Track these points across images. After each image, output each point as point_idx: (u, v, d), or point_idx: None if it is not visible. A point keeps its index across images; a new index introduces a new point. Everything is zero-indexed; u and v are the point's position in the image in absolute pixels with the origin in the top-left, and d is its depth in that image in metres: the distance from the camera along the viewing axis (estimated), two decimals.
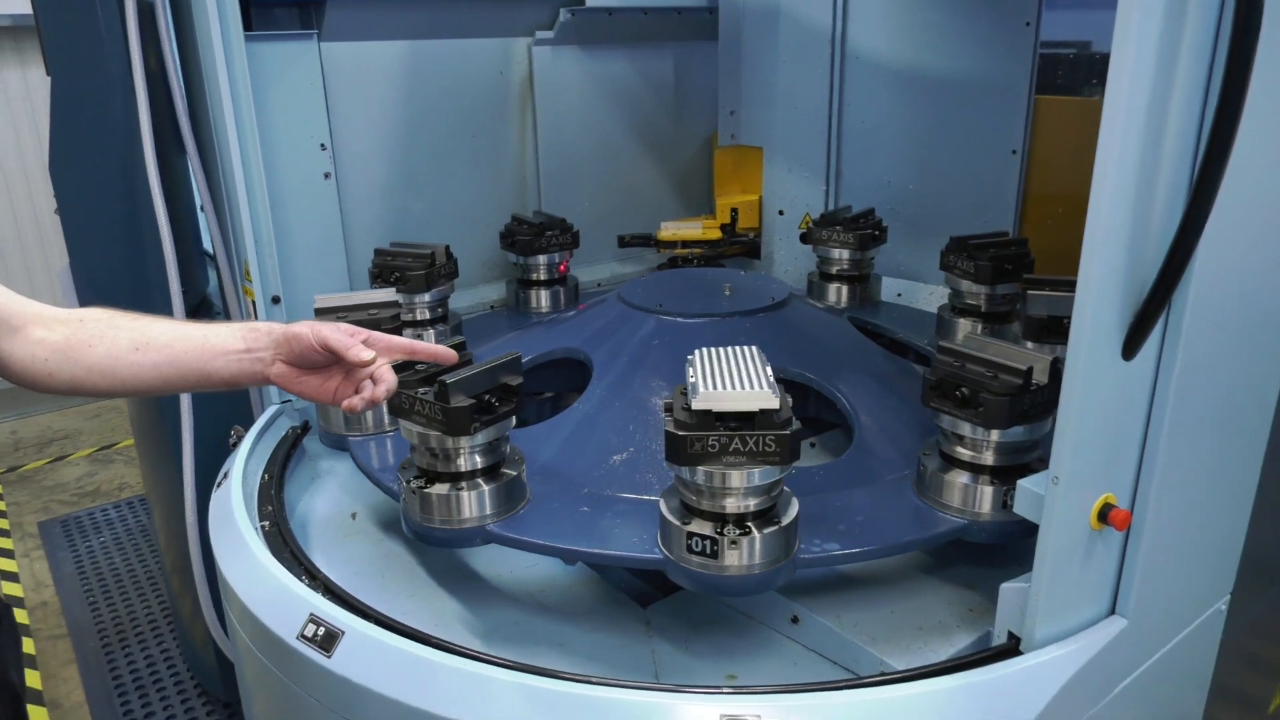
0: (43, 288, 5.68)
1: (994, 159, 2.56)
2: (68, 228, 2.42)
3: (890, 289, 2.76)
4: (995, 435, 1.48)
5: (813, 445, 2.07)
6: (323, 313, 1.88)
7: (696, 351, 1.48)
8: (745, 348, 1.48)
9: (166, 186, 2.35)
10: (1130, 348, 1.23)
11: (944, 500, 1.55)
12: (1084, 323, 1.17)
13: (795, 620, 1.64)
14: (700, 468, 1.34)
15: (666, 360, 1.93)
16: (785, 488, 1.45)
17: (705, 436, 1.33)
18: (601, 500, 1.61)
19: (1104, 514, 1.31)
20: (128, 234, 2.43)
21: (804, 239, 2.76)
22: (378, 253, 2.35)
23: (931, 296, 2.74)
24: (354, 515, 2.05)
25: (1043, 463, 1.57)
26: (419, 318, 2.35)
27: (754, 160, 3.10)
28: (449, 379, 1.48)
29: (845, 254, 2.60)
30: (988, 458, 1.52)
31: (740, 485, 1.34)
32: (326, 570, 1.84)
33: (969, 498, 1.53)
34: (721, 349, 1.48)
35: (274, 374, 1.44)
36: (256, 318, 2.23)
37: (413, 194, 2.69)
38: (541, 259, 2.66)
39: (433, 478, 1.56)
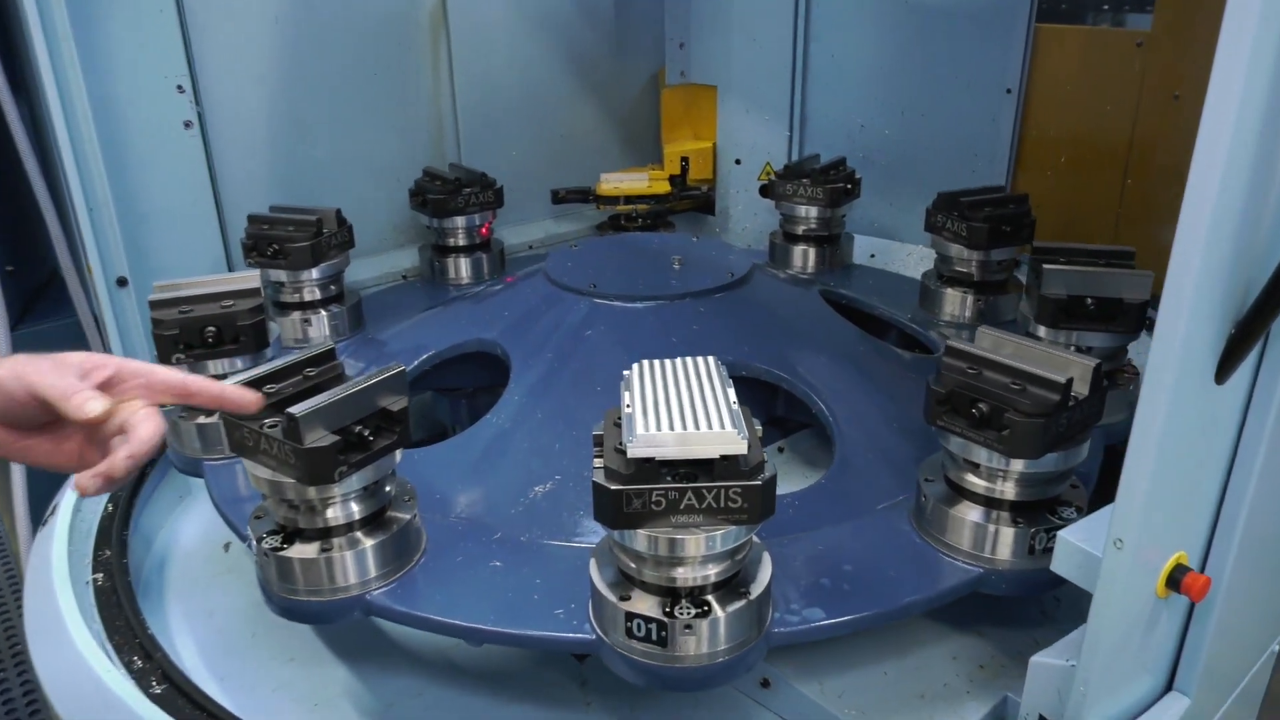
0: None
1: (986, 98, 2.21)
2: None
3: (863, 249, 2.41)
4: (1020, 465, 1.15)
5: (781, 451, 1.73)
6: (161, 305, 1.48)
7: (635, 367, 1.12)
8: (700, 361, 1.12)
9: None
10: (1226, 367, 0.89)
11: (950, 541, 1.22)
12: (1174, 336, 0.84)
13: (766, 684, 1.32)
14: (641, 531, 1.00)
15: (603, 355, 1.57)
16: (755, 538, 1.11)
17: (647, 492, 0.98)
18: (519, 549, 1.26)
19: (1175, 579, 0.99)
20: None
21: (764, 192, 2.39)
22: (251, 220, 1.93)
23: (910, 258, 2.40)
24: (227, 546, 1.68)
25: (1076, 490, 1.25)
26: (306, 298, 1.95)
27: (707, 101, 2.70)
28: (300, 410, 1.10)
29: (812, 211, 2.24)
30: (1008, 490, 1.19)
31: (696, 553, 1.00)
32: (182, 630, 1.48)
33: (983, 540, 1.20)
34: (668, 363, 1.12)
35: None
36: (99, 303, 1.82)
37: (305, 146, 2.25)
38: (459, 221, 2.26)
39: (293, 534, 1.19)
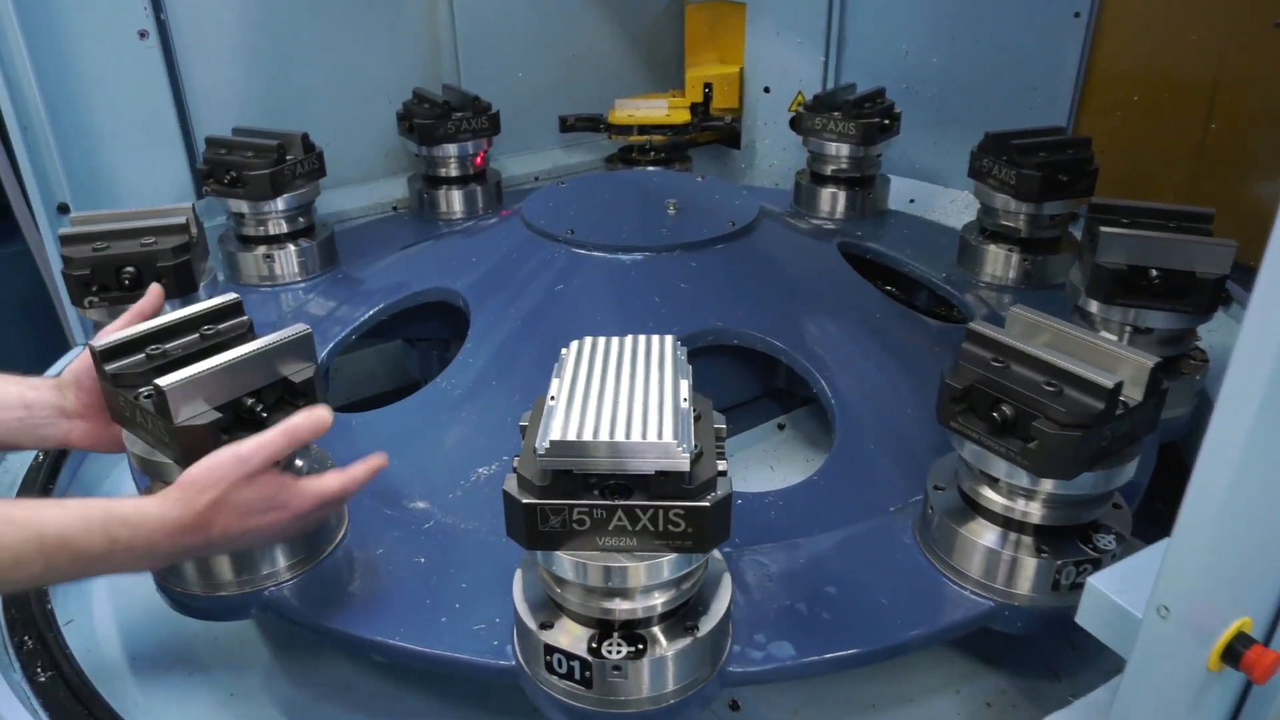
0: None
1: (1050, 23, 1.91)
2: None
3: (901, 193, 2.15)
4: (1049, 485, 0.94)
5: (781, 428, 1.52)
6: (73, 240, 1.30)
7: (573, 346, 0.92)
8: (656, 342, 0.92)
9: None
10: None
11: (958, 564, 1.02)
12: (1269, 331, 0.61)
13: (735, 706, 1.14)
14: (562, 554, 0.81)
15: (574, 316, 1.37)
16: (715, 553, 0.91)
17: (566, 509, 0.78)
18: (450, 543, 1.08)
19: (1235, 652, 0.77)
20: None
21: (794, 125, 2.13)
22: (209, 144, 1.74)
23: (953, 205, 2.13)
24: None
25: (1119, 512, 1.03)
26: (272, 231, 1.77)
27: (735, 21, 2.42)
28: (170, 382, 0.92)
29: (843, 149, 1.99)
30: (1032, 512, 0.98)
31: (630, 583, 0.81)
32: (101, 599, 1.34)
33: (998, 568, 0.99)
34: (615, 342, 0.92)
35: (77, 438, 1.10)
36: (38, 232, 1.65)
37: (284, 63, 2.05)
38: (450, 149, 2.05)
39: None
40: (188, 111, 1.92)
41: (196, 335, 1.05)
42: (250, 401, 0.98)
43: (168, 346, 1.02)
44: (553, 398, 0.83)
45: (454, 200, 2.10)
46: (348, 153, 2.17)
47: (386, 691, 1.17)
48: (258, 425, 0.97)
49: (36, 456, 1.49)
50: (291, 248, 1.78)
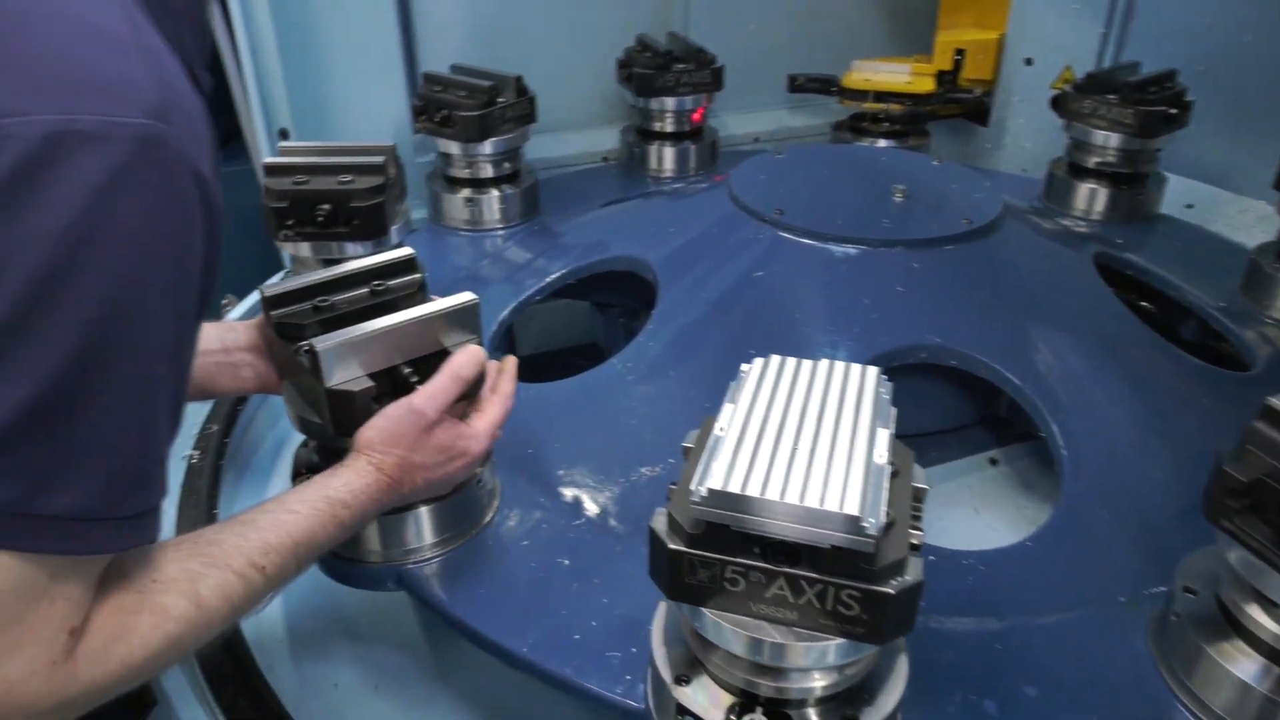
0: None
1: None
2: None
3: (1178, 196, 1.83)
4: None
5: (993, 463, 1.31)
6: (276, 171, 1.29)
7: (756, 365, 0.78)
8: (857, 373, 0.77)
9: None
10: None
11: (1201, 692, 0.81)
12: None
13: None
14: (708, 612, 0.69)
15: (771, 308, 1.22)
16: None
17: (718, 564, 0.66)
18: (599, 547, 0.99)
19: None
20: None
21: (1056, 105, 1.85)
22: (427, 80, 1.72)
23: (1243, 217, 1.80)
24: None
25: None
26: (479, 175, 1.73)
27: None
28: (324, 343, 0.87)
29: (1113, 139, 1.71)
30: None
31: (784, 661, 0.68)
32: None
33: (1253, 707, 0.78)
34: (807, 367, 0.77)
35: (275, 382, 1.07)
36: (258, 155, 1.69)
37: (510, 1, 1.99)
38: (667, 102, 1.94)
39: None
40: (414, 44, 1.91)
41: (366, 290, 1.00)
42: (407, 371, 0.92)
43: (335, 299, 0.98)
44: (722, 428, 0.70)
45: (665, 157, 1.99)
46: (564, 97, 2.10)
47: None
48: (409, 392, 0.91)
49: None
50: (494, 193, 1.74)
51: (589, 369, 1.87)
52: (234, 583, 0.82)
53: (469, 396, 0.96)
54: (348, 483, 0.92)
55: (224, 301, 1.74)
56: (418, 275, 1.03)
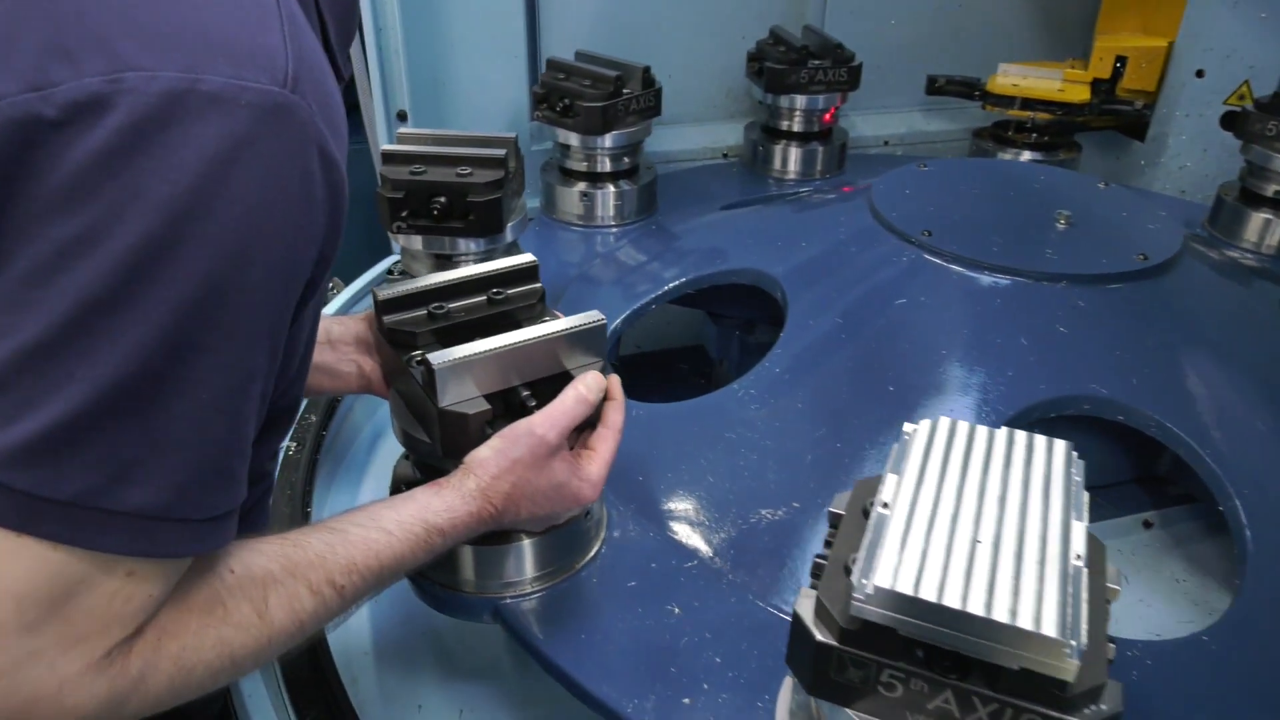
0: None
1: None
2: None
3: None
4: None
5: (1147, 526, 1.18)
6: (394, 159, 1.24)
7: (921, 428, 0.68)
8: (1044, 449, 0.66)
9: None
10: None
11: None
12: None
13: None
14: (854, 715, 0.60)
15: (913, 341, 1.11)
16: None
17: (874, 665, 0.57)
18: (714, 594, 0.91)
19: None
20: None
21: (1230, 124, 1.68)
22: (550, 66, 1.65)
23: None
24: None
25: None
26: (597, 169, 1.66)
27: None
28: (441, 360, 0.80)
29: None
30: None
31: None
32: None
33: None
34: (982, 435, 0.67)
35: (378, 381, 1.04)
36: (375, 136, 1.65)
37: None
38: (798, 100, 1.82)
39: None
40: (538, 27, 1.84)
41: (484, 298, 0.93)
42: (525, 394, 0.85)
43: (451, 306, 0.92)
44: (885, 504, 0.61)
45: (791, 157, 1.88)
46: (686, 88, 2.01)
47: None
48: (524, 414, 0.84)
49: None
50: (611, 189, 1.66)
51: (694, 375, 1.79)
52: (305, 598, 0.75)
53: (588, 426, 0.89)
54: (450, 508, 0.84)
55: (329, 285, 1.71)
56: (538, 285, 0.96)
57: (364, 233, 2.00)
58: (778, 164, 1.89)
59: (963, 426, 0.68)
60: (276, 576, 0.74)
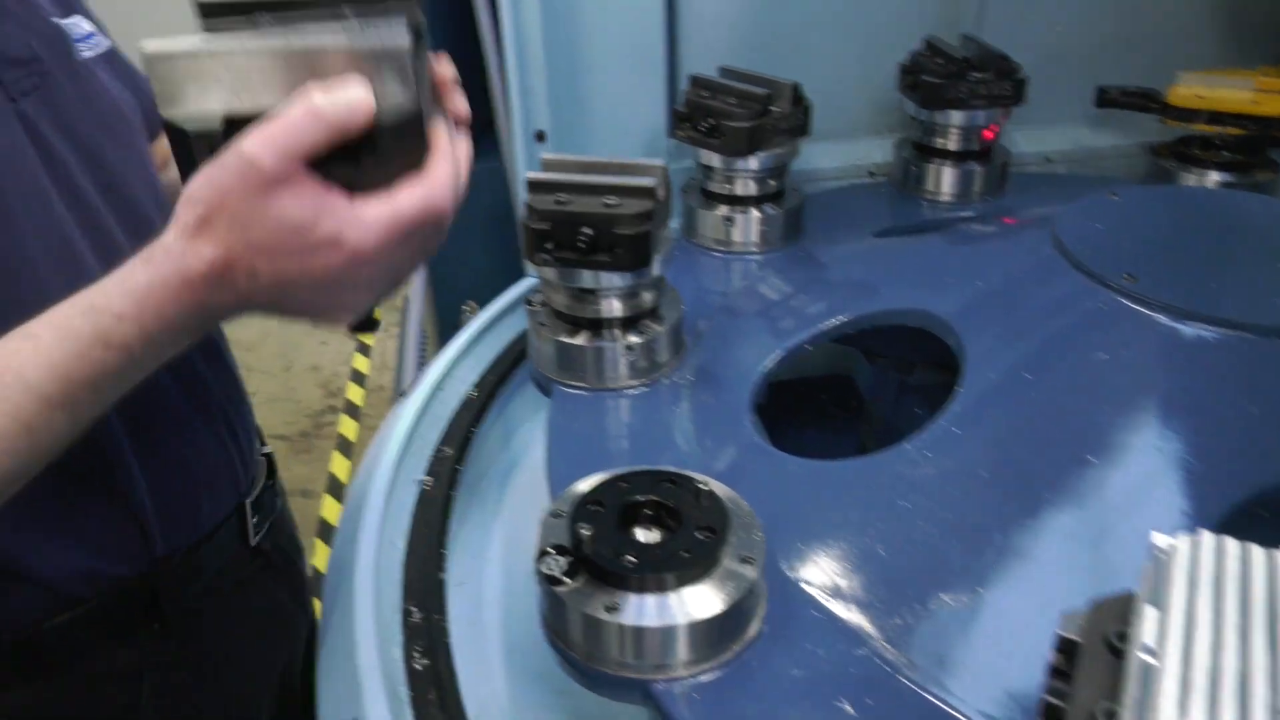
0: None
1: None
2: None
3: None
4: None
5: None
6: (539, 188, 1.18)
7: (1183, 543, 0.57)
8: None
9: None
10: None
11: None
12: None
13: None
14: None
15: (1124, 405, 0.98)
16: None
17: None
18: (892, 693, 0.81)
19: None
20: None
21: None
22: (694, 83, 1.57)
23: None
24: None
25: None
26: (741, 191, 1.57)
27: None
28: (161, 48, 0.67)
29: None
30: None
31: None
32: (492, 574, 1.28)
33: None
34: (1262, 557, 0.55)
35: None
36: (512, 155, 1.61)
37: None
38: (954, 116, 1.70)
39: (584, 564, 0.85)
40: (677, 42, 1.77)
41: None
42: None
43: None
44: (1150, 650, 0.50)
45: (945, 178, 1.75)
46: (831, 103, 1.89)
47: None
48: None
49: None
50: (754, 214, 1.57)
51: (836, 408, 1.68)
52: None
53: (378, 161, 0.67)
54: (124, 280, 0.65)
55: (465, 307, 1.68)
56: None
57: (498, 255, 1.97)
58: (931, 184, 1.76)
59: (1233, 546, 0.56)
60: None
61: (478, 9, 1.79)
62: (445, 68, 0.83)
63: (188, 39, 0.66)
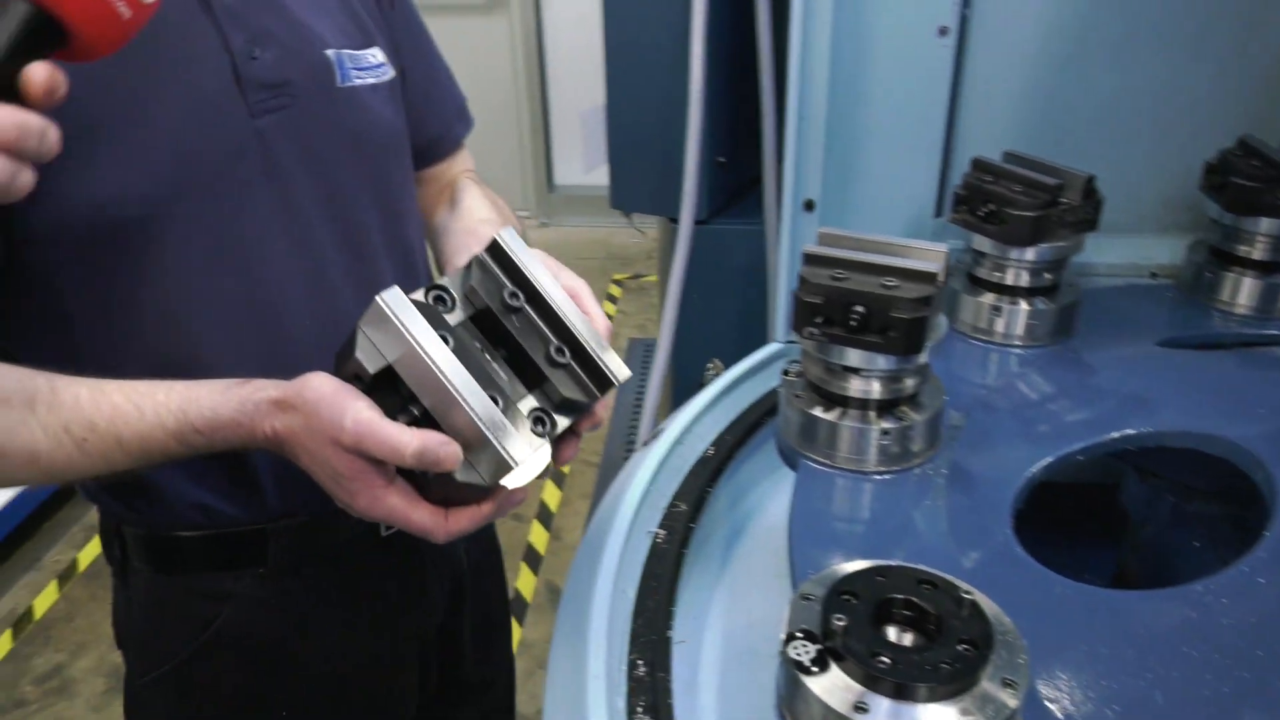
0: None
1: None
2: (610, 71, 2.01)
3: None
4: None
5: None
6: (816, 261, 1.17)
7: None
8: None
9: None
10: None
11: None
12: None
13: None
14: None
15: None
16: None
17: None
18: None
19: None
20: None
21: None
22: (975, 166, 1.52)
23: None
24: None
25: None
26: (1013, 281, 1.50)
27: None
28: (392, 301, 0.85)
29: None
30: None
31: None
32: (712, 630, 1.26)
33: None
34: None
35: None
36: (778, 221, 1.61)
37: (1074, 77, 1.72)
38: (1262, 224, 1.55)
39: (833, 654, 0.82)
40: (957, 120, 1.72)
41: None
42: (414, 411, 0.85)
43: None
44: None
45: (1245, 289, 1.59)
46: (1115, 192, 1.78)
47: None
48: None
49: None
50: (1024, 306, 1.49)
51: (1092, 521, 1.55)
52: (38, 434, 0.86)
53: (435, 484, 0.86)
54: (215, 408, 0.88)
55: (709, 366, 1.70)
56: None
57: (743, 315, 1.99)
58: (1227, 294, 1.61)
59: None
60: (13, 403, 0.86)
61: (761, 77, 1.83)
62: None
63: (419, 320, 0.81)
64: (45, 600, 3.28)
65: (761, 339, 1.71)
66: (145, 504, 1.18)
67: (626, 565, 1.24)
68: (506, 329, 0.89)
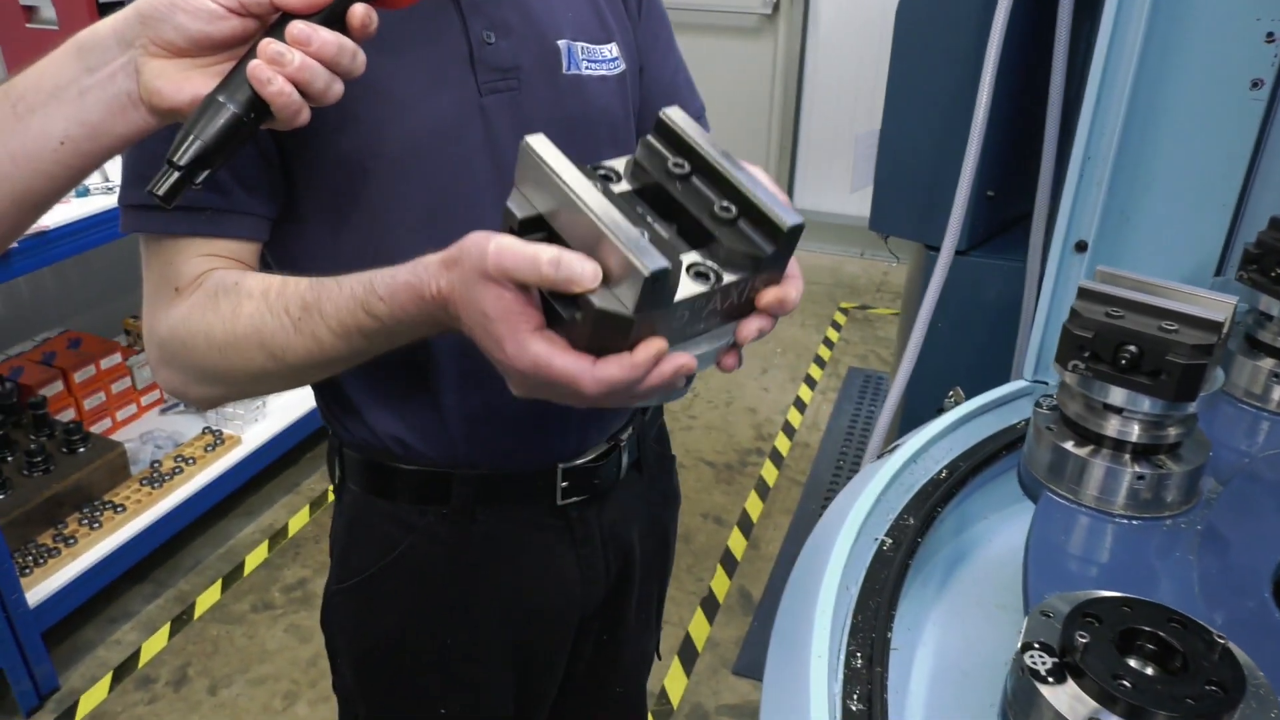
0: None
1: None
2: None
3: None
4: None
5: None
6: (1090, 296, 1.18)
7: None
8: None
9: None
10: None
11: None
12: None
13: None
14: None
15: None
16: None
17: None
18: None
19: None
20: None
21: None
22: (1274, 224, 1.45)
23: None
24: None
25: None
26: None
27: None
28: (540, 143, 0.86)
29: None
30: None
31: None
32: (926, 643, 1.29)
33: None
34: None
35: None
36: (1045, 259, 1.60)
37: None
38: None
39: (1070, 669, 0.84)
40: (1254, 177, 1.64)
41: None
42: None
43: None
44: None
45: None
46: None
47: None
48: None
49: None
50: None
51: None
52: (267, 318, 1.00)
53: (577, 324, 0.81)
54: (393, 274, 0.92)
55: (950, 394, 1.71)
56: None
57: (988, 349, 1.97)
58: None
59: None
60: (253, 294, 1.02)
61: (1048, 115, 1.81)
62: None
63: (562, 158, 0.81)
64: (299, 521, 3.71)
65: (1001, 376, 1.70)
66: (358, 425, 1.29)
67: (851, 566, 1.29)
68: (673, 198, 0.83)
